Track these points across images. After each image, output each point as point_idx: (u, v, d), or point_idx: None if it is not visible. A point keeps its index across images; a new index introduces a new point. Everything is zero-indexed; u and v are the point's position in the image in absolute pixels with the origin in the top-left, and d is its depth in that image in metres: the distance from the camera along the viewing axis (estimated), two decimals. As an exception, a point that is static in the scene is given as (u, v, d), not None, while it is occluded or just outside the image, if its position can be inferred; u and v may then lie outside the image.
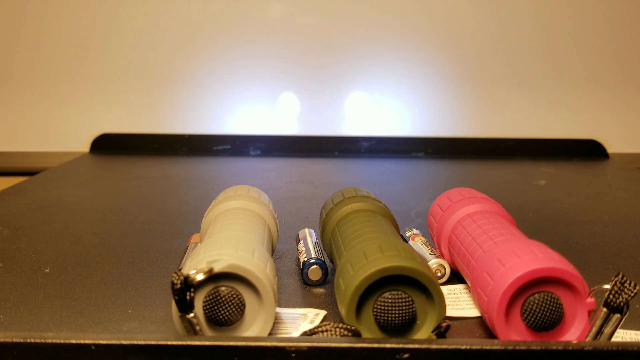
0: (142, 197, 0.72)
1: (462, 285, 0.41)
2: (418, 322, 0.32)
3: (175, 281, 0.29)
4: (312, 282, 0.42)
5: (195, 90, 1.00)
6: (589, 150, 1.00)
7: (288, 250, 0.49)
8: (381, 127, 1.02)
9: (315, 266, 0.42)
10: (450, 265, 0.42)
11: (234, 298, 0.31)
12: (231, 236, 0.36)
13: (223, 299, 0.31)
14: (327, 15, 0.99)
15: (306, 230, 0.49)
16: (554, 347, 0.26)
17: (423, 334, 0.32)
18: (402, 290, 0.31)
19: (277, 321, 0.35)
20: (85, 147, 1.00)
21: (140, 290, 0.41)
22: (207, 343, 0.27)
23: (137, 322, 0.36)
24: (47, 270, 0.44)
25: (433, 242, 0.45)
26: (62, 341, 0.27)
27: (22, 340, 0.27)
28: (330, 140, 1.01)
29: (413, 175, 0.88)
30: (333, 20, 0.99)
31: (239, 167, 0.93)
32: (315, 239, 0.46)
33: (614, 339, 0.30)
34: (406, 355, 0.26)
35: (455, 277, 0.42)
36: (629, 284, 0.30)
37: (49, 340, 0.27)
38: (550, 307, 0.30)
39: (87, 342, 0.27)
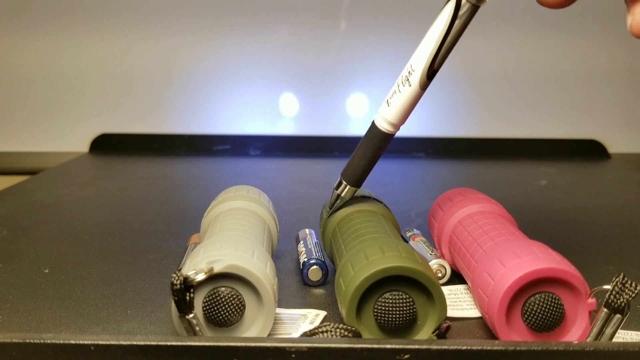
0: (142, 197, 0.71)
1: (462, 286, 0.41)
2: (419, 322, 0.32)
3: (174, 282, 0.29)
4: (312, 283, 0.42)
5: (195, 90, 1.00)
6: (590, 150, 1.00)
7: (288, 251, 0.49)
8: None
9: (315, 267, 0.41)
10: (450, 265, 0.42)
11: (233, 298, 0.31)
12: (231, 236, 0.36)
13: (223, 299, 0.31)
14: (327, 15, 0.99)
15: (306, 230, 0.49)
16: (555, 348, 0.26)
17: (424, 335, 0.32)
18: (402, 290, 0.31)
19: (277, 322, 0.35)
20: (84, 147, 1.00)
21: (139, 291, 0.41)
22: (207, 343, 0.27)
23: (136, 322, 0.36)
24: (47, 271, 0.44)
25: (433, 243, 0.45)
26: (61, 342, 0.27)
27: (21, 341, 0.27)
28: (330, 140, 1.01)
29: (413, 175, 0.88)
30: (333, 20, 0.99)
31: (239, 167, 0.93)
32: (316, 240, 0.46)
33: (615, 340, 0.30)
34: (407, 356, 0.26)
35: (456, 278, 0.42)
36: (630, 285, 0.30)
37: (48, 341, 0.27)
38: (551, 308, 0.30)
39: (86, 342, 0.27)
